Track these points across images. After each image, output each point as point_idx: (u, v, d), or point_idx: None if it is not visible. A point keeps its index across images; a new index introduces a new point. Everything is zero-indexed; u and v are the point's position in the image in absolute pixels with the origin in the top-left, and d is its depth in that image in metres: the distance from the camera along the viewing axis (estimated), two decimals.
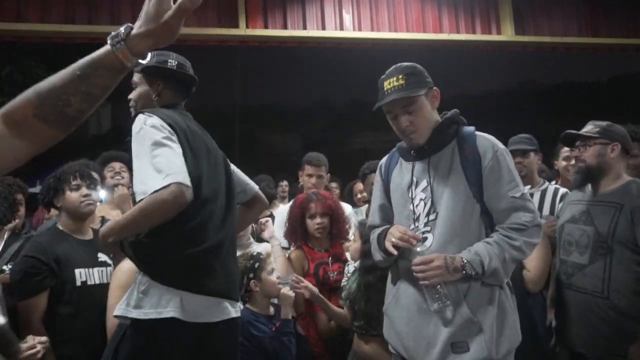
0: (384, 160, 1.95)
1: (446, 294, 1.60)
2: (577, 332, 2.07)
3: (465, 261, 1.58)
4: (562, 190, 2.80)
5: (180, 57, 1.85)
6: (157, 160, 1.48)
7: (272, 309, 2.25)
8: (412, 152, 1.78)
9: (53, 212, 2.73)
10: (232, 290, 1.71)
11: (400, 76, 1.69)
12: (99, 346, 1.98)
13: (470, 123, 1.79)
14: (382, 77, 1.75)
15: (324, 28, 5.02)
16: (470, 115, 1.82)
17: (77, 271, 2.06)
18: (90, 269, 2.10)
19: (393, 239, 1.65)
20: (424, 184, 1.72)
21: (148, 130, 1.54)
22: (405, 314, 1.70)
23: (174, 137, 1.57)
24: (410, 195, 1.75)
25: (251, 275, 2.18)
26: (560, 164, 3.21)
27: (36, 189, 2.60)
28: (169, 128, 1.58)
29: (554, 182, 3.11)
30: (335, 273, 2.54)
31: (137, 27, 0.92)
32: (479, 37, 5.35)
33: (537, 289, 2.30)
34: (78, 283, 2.05)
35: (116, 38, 0.90)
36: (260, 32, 4.87)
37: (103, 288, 2.05)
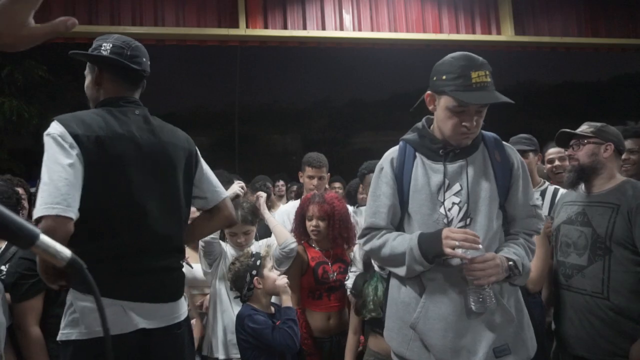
0: (394, 155, 1.72)
1: (490, 295, 1.53)
2: (576, 334, 2.06)
3: (512, 261, 1.56)
4: (563, 190, 2.80)
5: (120, 40, 1.64)
6: (41, 188, 1.38)
7: (272, 309, 2.26)
8: (440, 152, 1.64)
9: None
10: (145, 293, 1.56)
11: (487, 72, 1.55)
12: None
13: None
14: (462, 62, 1.54)
15: (324, 28, 5.03)
16: None
17: None
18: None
19: (456, 242, 1.47)
20: (456, 187, 1.62)
21: (46, 144, 1.42)
22: (440, 326, 1.56)
23: (72, 152, 1.42)
24: (440, 198, 1.61)
25: (254, 272, 2.19)
26: (546, 166, 3.20)
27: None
28: (71, 140, 1.43)
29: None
30: (336, 273, 2.55)
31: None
32: (479, 37, 5.36)
33: (537, 288, 2.31)
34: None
35: None
36: (260, 32, 4.88)
37: None
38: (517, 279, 1.60)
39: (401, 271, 1.62)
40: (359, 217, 3.36)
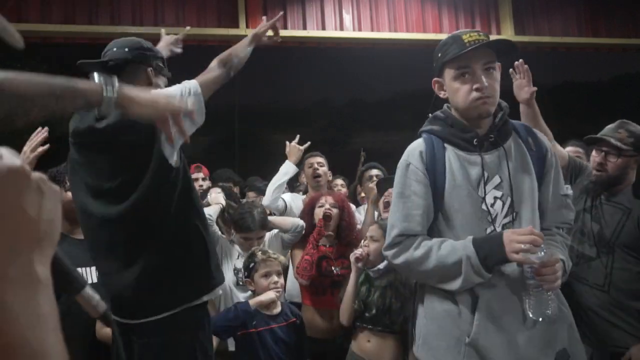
0: (421, 148, 1.51)
1: (554, 300, 1.37)
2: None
3: (560, 262, 1.38)
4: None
5: None
6: None
7: (279, 307, 2.21)
8: (474, 141, 1.47)
9: None
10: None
11: (482, 33, 1.46)
12: (97, 346, 1.98)
13: None
14: (452, 35, 1.51)
15: (324, 28, 5.02)
16: None
17: None
18: (88, 268, 2.07)
19: (522, 246, 1.29)
20: (496, 179, 1.46)
21: None
22: (502, 339, 1.38)
23: None
24: (480, 193, 1.45)
25: (245, 273, 2.21)
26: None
27: None
28: None
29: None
30: (340, 268, 2.51)
31: (134, 91, 1.08)
32: None
33: None
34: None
35: (110, 86, 1.02)
36: None
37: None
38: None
39: (453, 285, 1.39)
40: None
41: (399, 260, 1.47)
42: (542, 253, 1.31)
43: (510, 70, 2.09)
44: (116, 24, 4.56)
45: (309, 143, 3.19)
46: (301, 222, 2.62)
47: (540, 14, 5.60)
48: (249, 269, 2.20)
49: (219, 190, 2.82)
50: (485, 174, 1.46)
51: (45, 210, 0.41)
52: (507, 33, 5.40)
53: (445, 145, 1.51)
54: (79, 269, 2.05)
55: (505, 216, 1.44)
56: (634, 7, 5.78)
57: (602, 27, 5.72)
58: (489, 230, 1.44)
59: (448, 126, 1.52)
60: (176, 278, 1.52)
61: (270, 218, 2.70)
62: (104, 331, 1.91)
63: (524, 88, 2.05)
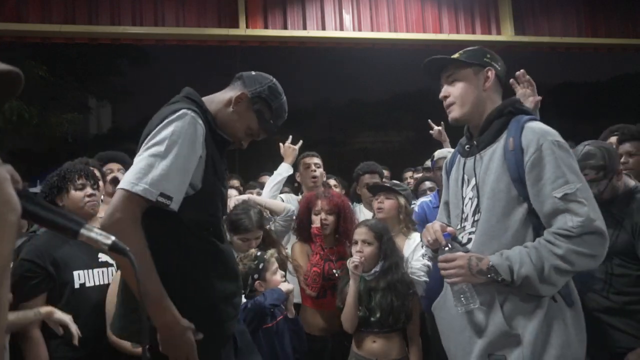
0: (450, 155, 1.86)
1: (472, 296, 1.48)
2: None
3: (490, 264, 1.43)
4: None
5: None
6: None
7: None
8: (466, 147, 1.69)
9: None
10: None
11: (461, 52, 1.70)
12: (98, 347, 1.98)
13: None
14: None
15: (324, 28, 5.03)
16: None
17: (75, 273, 2.03)
18: (90, 270, 2.08)
19: (428, 237, 1.62)
20: (472, 182, 1.62)
21: None
22: (448, 316, 1.65)
23: None
24: (462, 194, 1.67)
25: (256, 276, 2.18)
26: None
27: (37, 189, 2.57)
28: None
29: None
30: (339, 270, 2.52)
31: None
32: (479, 37, 5.35)
33: None
34: (76, 285, 2.02)
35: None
36: (260, 32, 4.88)
37: (103, 289, 2.04)
38: (515, 286, 1.42)
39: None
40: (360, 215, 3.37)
41: None
42: (446, 249, 1.55)
43: (511, 80, 2.07)
44: (116, 24, 4.56)
45: (301, 142, 3.20)
46: (291, 207, 2.71)
47: (540, 14, 5.61)
48: (259, 270, 2.19)
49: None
50: (466, 177, 1.66)
51: None
52: (507, 33, 5.41)
53: (458, 153, 1.77)
54: (79, 272, 2.06)
55: (474, 214, 1.60)
56: (633, 7, 5.78)
57: (601, 27, 5.73)
58: (459, 227, 1.66)
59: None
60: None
61: (260, 199, 2.74)
62: (118, 341, 1.90)
63: (528, 98, 2.03)
